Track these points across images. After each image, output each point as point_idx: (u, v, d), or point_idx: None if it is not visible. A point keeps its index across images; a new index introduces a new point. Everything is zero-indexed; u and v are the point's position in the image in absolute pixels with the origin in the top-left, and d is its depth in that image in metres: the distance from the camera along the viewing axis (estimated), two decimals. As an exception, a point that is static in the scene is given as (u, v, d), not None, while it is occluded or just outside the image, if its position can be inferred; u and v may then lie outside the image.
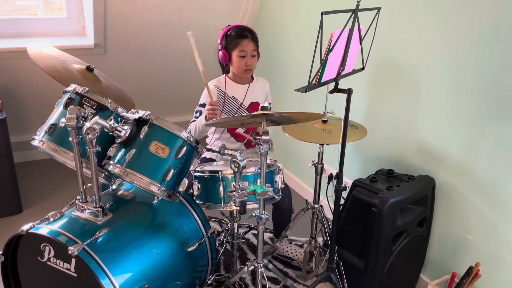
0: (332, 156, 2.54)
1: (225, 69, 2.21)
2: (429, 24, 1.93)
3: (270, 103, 2.27)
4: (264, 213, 1.65)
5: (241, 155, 1.61)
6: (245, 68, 2.11)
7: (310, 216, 2.14)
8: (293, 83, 2.88)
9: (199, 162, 1.74)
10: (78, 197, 1.61)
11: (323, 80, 1.60)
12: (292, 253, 2.31)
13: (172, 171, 1.59)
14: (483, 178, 1.80)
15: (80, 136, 1.50)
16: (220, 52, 2.13)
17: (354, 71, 1.81)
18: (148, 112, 1.58)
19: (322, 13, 1.39)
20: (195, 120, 2.16)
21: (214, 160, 2.23)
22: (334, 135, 1.92)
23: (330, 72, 1.62)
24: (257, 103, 2.23)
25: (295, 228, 2.18)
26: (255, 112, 1.57)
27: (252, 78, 2.25)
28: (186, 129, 1.66)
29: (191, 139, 1.63)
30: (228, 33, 2.10)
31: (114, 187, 1.85)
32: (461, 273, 1.85)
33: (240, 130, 2.14)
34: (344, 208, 1.99)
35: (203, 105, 2.17)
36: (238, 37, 2.07)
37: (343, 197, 1.90)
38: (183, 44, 3.23)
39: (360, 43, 1.73)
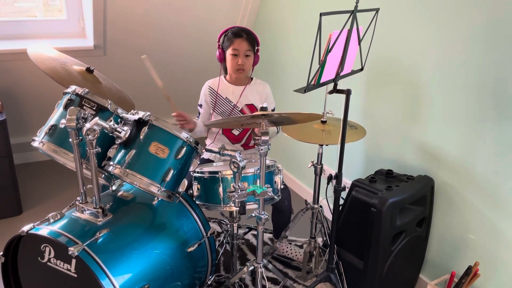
0: (332, 156, 2.54)
1: (223, 69, 2.23)
2: (428, 24, 1.94)
3: (274, 108, 2.28)
4: (264, 213, 1.66)
5: (241, 155, 1.61)
6: (237, 67, 2.12)
7: (310, 216, 2.15)
8: (292, 84, 2.88)
9: (198, 163, 1.74)
10: (78, 198, 1.62)
11: (322, 80, 1.61)
12: (291, 253, 2.32)
13: (172, 171, 1.59)
14: (482, 178, 1.80)
15: (80, 137, 1.50)
16: (217, 51, 2.16)
17: (353, 72, 1.82)
18: (148, 113, 1.59)
19: (321, 14, 1.39)
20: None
21: (213, 161, 2.24)
22: (333, 135, 1.92)
23: (329, 73, 1.63)
24: (252, 105, 2.23)
25: (295, 229, 2.19)
26: (253, 113, 1.58)
27: (251, 80, 2.25)
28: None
29: (191, 140, 1.63)
30: (226, 33, 2.13)
31: (114, 188, 1.85)
32: (460, 273, 1.85)
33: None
34: (343, 209, 1.99)
35: (201, 105, 2.25)
36: (233, 36, 2.10)
37: (342, 198, 1.90)
38: (183, 44, 3.26)
39: (359, 43, 1.73)
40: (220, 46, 2.15)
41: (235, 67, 2.13)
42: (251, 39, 2.12)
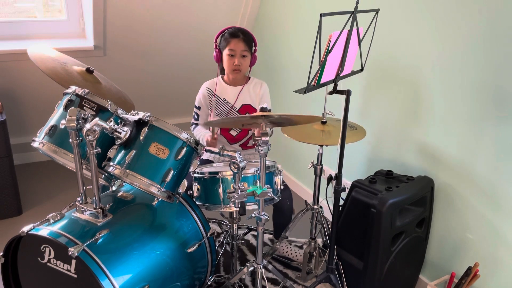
0: (331, 157, 2.55)
1: (220, 70, 2.24)
2: (428, 25, 1.94)
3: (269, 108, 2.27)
4: (264, 214, 1.66)
5: (241, 156, 1.61)
6: (233, 67, 2.13)
7: (310, 217, 2.15)
8: (292, 84, 2.88)
9: (198, 163, 1.74)
10: (78, 198, 1.62)
11: (322, 81, 1.61)
12: (291, 254, 2.32)
13: (172, 172, 1.59)
14: (482, 178, 1.80)
15: (80, 138, 1.50)
16: (214, 52, 2.16)
17: (353, 72, 1.82)
18: (148, 114, 1.59)
19: (321, 15, 1.39)
20: (195, 124, 2.24)
21: (213, 162, 2.24)
22: (333, 136, 1.92)
23: (329, 74, 1.63)
24: (249, 105, 2.23)
25: (295, 229, 2.19)
26: (253, 114, 1.58)
27: (249, 79, 2.26)
28: (186, 130, 1.66)
29: (191, 141, 1.64)
30: (223, 33, 2.14)
31: (114, 188, 1.85)
32: (460, 274, 1.85)
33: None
34: (343, 209, 1.99)
35: (199, 108, 2.24)
36: (230, 36, 2.11)
37: (342, 198, 1.90)
38: (183, 45, 3.26)
39: (359, 44, 1.73)
40: (217, 47, 2.16)
41: (231, 67, 2.14)
42: (248, 39, 2.12)
